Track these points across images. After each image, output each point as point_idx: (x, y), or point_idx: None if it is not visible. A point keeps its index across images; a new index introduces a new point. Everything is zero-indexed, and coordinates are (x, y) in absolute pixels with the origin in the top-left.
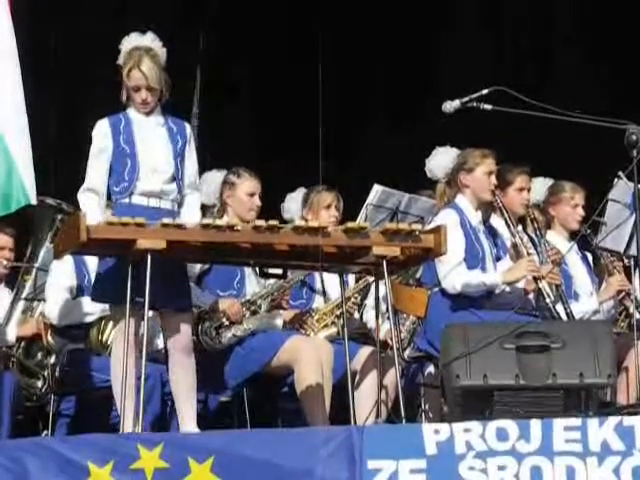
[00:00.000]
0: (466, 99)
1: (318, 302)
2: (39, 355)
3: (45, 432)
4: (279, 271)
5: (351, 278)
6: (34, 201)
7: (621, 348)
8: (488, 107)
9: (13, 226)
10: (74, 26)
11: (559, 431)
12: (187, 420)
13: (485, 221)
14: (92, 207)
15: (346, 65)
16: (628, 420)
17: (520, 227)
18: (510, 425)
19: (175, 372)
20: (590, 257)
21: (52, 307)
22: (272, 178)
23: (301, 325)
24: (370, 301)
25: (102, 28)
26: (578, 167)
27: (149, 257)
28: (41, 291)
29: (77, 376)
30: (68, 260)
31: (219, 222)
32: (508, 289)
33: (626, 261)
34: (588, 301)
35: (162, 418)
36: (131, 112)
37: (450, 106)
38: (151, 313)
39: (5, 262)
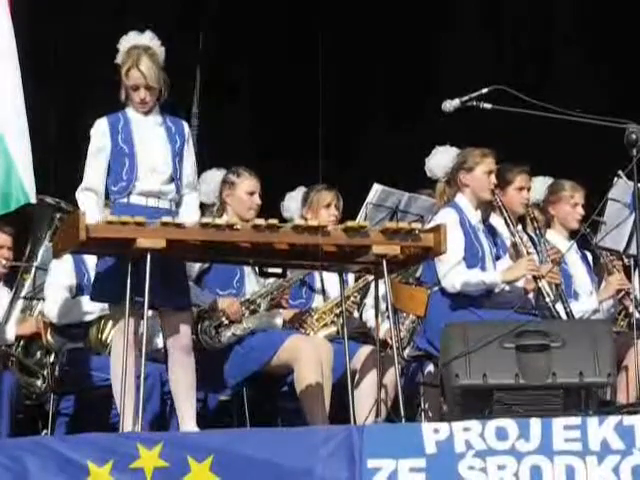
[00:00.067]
0: (466, 98)
1: (318, 301)
2: (38, 354)
3: (45, 431)
4: (279, 270)
5: (351, 277)
6: (34, 200)
7: (621, 347)
8: (488, 106)
9: (12, 225)
10: (74, 26)
11: (559, 430)
12: (187, 419)
13: (485, 220)
14: (91, 206)
15: (346, 65)
16: (628, 419)
17: (520, 226)
18: (510, 424)
19: (175, 371)
20: (590, 256)
21: (51, 306)
22: (272, 177)
23: (301, 324)
24: (370, 300)
25: (102, 28)
26: (578, 166)
27: (149, 256)
28: (40, 290)
29: (77, 375)
30: (67, 259)
31: (219, 221)
32: (508, 288)
33: (626, 260)
34: (588, 300)
35: (162, 417)
36: (130, 111)
37: (450, 105)
38: (150, 312)
39: (4, 261)
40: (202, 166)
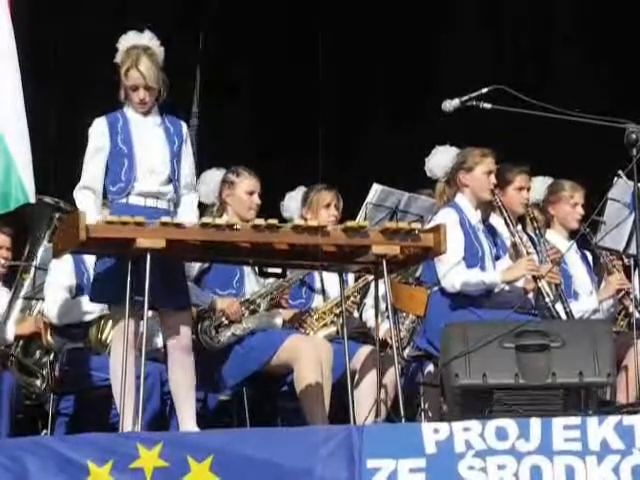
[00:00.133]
0: (466, 98)
1: (317, 301)
2: (37, 354)
3: (44, 431)
4: (278, 270)
5: (350, 277)
6: (33, 200)
7: (620, 347)
8: (488, 106)
9: (10, 225)
10: (74, 26)
11: (559, 430)
12: (186, 419)
13: (484, 220)
14: (89, 205)
15: (346, 65)
16: (628, 419)
17: (519, 226)
18: (509, 424)
19: (174, 371)
20: (590, 256)
21: (51, 306)
22: (272, 177)
23: (300, 324)
24: (369, 300)
25: (102, 28)
26: (578, 166)
27: (148, 256)
28: (40, 290)
29: (76, 375)
30: (67, 259)
31: (218, 221)
32: (507, 288)
33: (625, 260)
34: (588, 300)
35: (161, 417)
36: (129, 111)
37: (450, 105)
38: (150, 313)
39: (3, 261)
40: (202, 166)
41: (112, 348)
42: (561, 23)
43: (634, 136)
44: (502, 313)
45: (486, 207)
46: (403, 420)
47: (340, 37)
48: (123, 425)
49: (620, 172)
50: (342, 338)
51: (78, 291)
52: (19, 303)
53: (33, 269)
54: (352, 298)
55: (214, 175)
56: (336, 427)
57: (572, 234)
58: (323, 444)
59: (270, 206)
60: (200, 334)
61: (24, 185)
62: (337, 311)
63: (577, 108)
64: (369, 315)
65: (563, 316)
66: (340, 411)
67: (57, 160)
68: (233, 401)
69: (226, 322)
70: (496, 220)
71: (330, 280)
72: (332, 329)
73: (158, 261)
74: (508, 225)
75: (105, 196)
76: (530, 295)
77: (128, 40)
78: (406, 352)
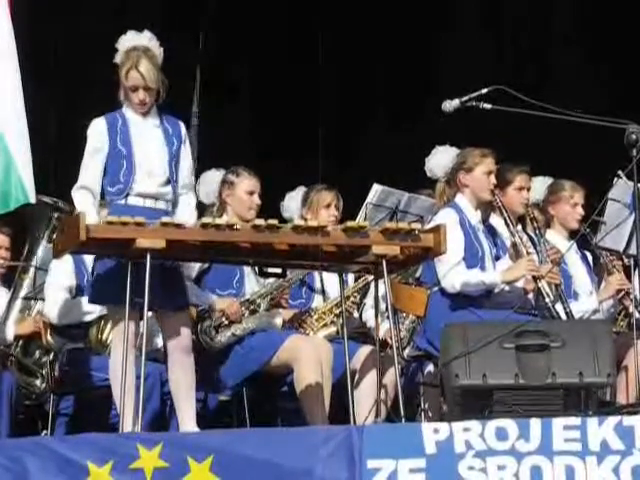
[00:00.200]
0: (465, 98)
1: (317, 301)
2: (37, 353)
3: (44, 431)
4: (278, 270)
5: (350, 277)
6: (33, 200)
7: (620, 347)
8: (487, 106)
9: (10, 225)
10: (74, 26)
11: (559, 430)
12: (186, 419)
13: (484, 220)
14: (87, 205)
15: (346, 65)
16: (628, 420)
17: (519, 226)
18: (509, 424)
19: (174, 371)
20: (590, 256)
21: (51, 306)
22: (272, 177)
23: (300, 324)
24: (369, 300)
25: (102, 28)
26: (578, 166)
27: (148, 256)
28: (40, 290)
29: (76, 375)
30: (67, 259)
31: (218, 221)
32: (507, 288)
33: (626, 260)
34: (588, 300)
35: (161, 417)
36: (128, 112)
37: (450, 105)
38: (150, 314)
39: (2, 261)
40: (202, 166)
41: (112, 348)
42: (561, 23)
43: (634, 136)
44: (502, 313)
45: (486, 207)
46: (403, 420)
47: (340, 37)
48: (123, 425)
49: (620, 172)
50: (342, 338)
51: (78, 291)
52: (18, 303)
53: (32, 269)
54: (352, 298)
55: (214, 175)
56: (336, 427)
57: (572, 234)
58: (323, 444)
59: (270, 206)
60: (200, 334)
61: (24, 185)
62: (337, 311)
63: (577, 108)
64: (369, 315)
65: (563, 316)
66: (340, 411)
67: (57, 160)
68: (233, 401)
69: (226, 322)
70: (496, 220)
71: (330, 280)
72: (332, 329)
73: (156, 262)
74: (508, 225)
75: (103, 196)
76: (530, 295)
77: (128, 40)
78: (406, 352)
